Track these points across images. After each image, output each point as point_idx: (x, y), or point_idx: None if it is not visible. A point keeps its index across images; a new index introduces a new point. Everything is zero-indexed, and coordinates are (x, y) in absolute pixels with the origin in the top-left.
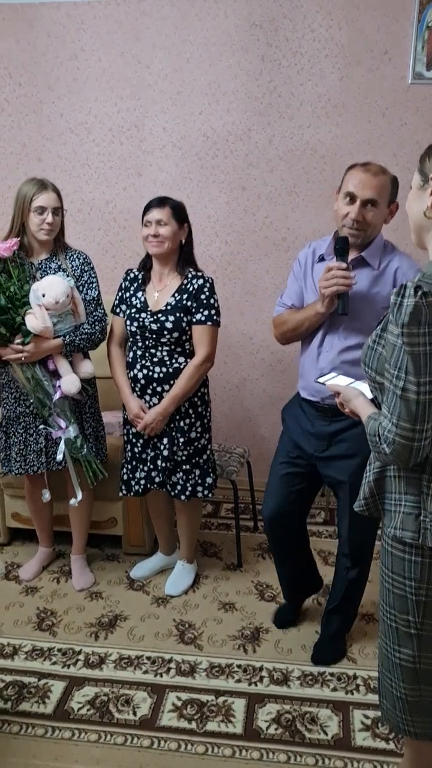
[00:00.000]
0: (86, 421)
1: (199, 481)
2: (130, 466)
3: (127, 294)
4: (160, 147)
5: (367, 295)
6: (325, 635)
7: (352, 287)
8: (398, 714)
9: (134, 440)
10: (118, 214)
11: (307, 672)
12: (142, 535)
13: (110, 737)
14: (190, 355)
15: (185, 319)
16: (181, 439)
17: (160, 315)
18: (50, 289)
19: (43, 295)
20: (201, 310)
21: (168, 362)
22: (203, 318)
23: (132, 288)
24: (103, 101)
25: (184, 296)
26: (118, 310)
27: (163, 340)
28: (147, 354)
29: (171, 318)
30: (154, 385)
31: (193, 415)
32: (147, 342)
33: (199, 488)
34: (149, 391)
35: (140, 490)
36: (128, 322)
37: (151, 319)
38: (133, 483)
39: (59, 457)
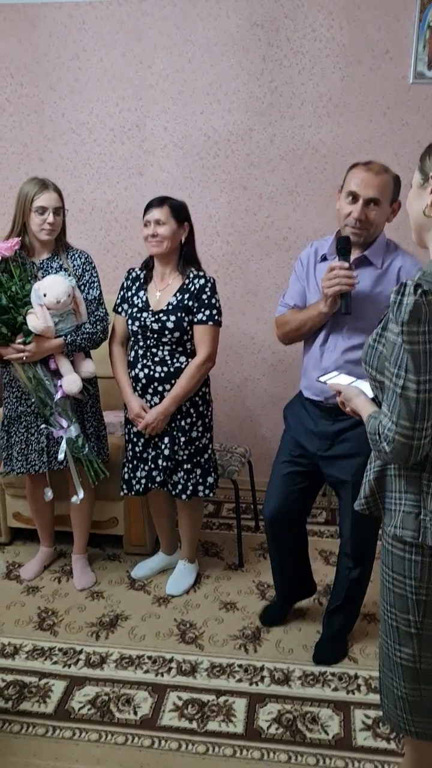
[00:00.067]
0: (88, 420)
1: (201, 480)
2: (131, 465)
3: (129, 293)
4: (161, 147)
5: (371, 295)
6: (327, 635)
7: (354, 286)
8: (399, 713)
9: (135, 439)
10: (120, 214)
11: (308, 672)
12: (143, 535)
13: (111, 737)
14: (192, 355)
15: (186, 318)
16: (182, 439)
17: (161, 315)
18: (51, 288)
19: (45, 295)
20: (202, 309)
21: (169, 362)
22: (205, 318)
23: (134, 287)
24: (104, 101)
25: (186, 296)
26: (119, 310)
27: (164, 339)
28: (148, 353)
29: (172, 318)
30: (156, 384)
31: (194, 415)
32: (148, 341)
33: (201, 488)
34: (150, 391)
35: (141, 489)
36: (130, 322)
37: (153, 319)
38: (133, 482)
39: (60, 456)
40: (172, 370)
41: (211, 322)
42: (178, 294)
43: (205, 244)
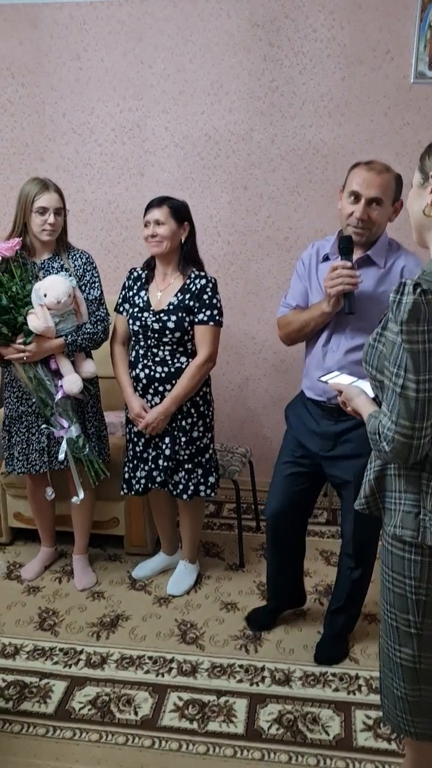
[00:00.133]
0: (89, 420)
1: (202, 480)
2: (131, 465)
3: (130, 293)
4: (162, 147)
5: (374, 295)
6: (328, 635)
7: (358, 286)
8: (399, 714)
9: (136, 439)
10: (121, 214)
11: (309, 672)
12: (144, 535)
13: (111, 737)
14: (192, 355)
15: (187, 319)
16: (183, 439)
17: (162, 314)
18: (52, 288)
19: (45, 295)
20: (203, 310)
21: (170, 362)
22: (205, 318)
23: (135, 287)
24: (105, 101)
25: (187, 296)
26: (121, 309)
27: (165, 339)
28: (149, 354)
29: (173, 318)
30: (156, 384)
31: (195, 415)
32: (149, 341)
33: (202, 487)
34: (151, 391)
35: (140, 489)
36: (131, 321)
37: (154, 319)
38: (133, 482)
39: (61, 456)
40: (172, 370)
41: (212, 323)
42: (179, 294)
43: (206, 244)
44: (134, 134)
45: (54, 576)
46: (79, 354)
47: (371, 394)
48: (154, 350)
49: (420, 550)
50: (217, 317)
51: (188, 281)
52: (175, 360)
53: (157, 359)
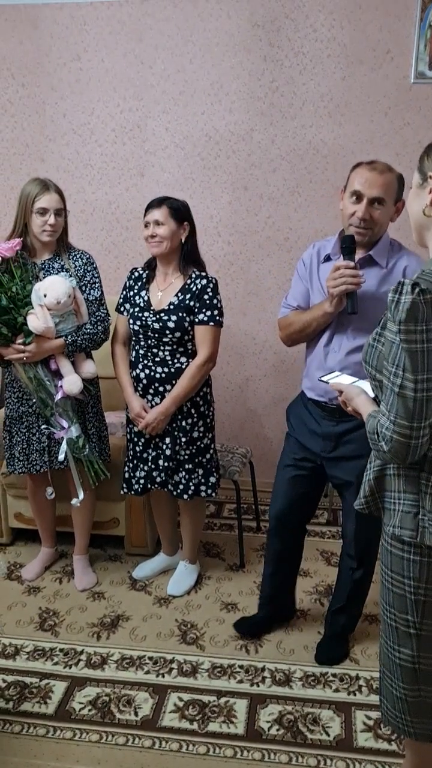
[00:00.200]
0: (89, 421)
1: (203, 480)
2: (131, 465)
3: (131, 293)
4: (162, 147)
5: (376, 295)
6: (329, 635)
7: (361, 286)
8: (398, 714)
9: (136, 439)
10: (121, 215)
11: (309, 673)
12: (144, 535)
13: (111, 737)
14: (193, 356)
15: (188, 319)
16: (183, 439)
17: (162, 314)
18: (52, 289)
19: (45, 295)
20: (204, 310)
21: (170, 362)
22: (206, 318)
23: (136, 287)
24: (105, 102)
25: (187, 296)
26: (122, 309)
27: (165, 339)
28: (149, 354)
29: (173, 318)
30: (156, 385)
31: (195, 415)
32: (149, 341)
33: (203, 487)
34: (151, 391)
35: (139, 489)
36: (131, 321)
37: (154, 319)
38: (133, 481)
39: (61, 457)
40: (172, 370)
41: (212, 323)
42: (179, 294)
43: (206, 245)
44: (134, 135)
45: (54, 576)
46: (79, 354)
47: (372, 394)
48: (154, 350)
49: (419, 550)
50: (218, 317)
51: (189, 281)
52: (175, 360)
53: (157, 359)
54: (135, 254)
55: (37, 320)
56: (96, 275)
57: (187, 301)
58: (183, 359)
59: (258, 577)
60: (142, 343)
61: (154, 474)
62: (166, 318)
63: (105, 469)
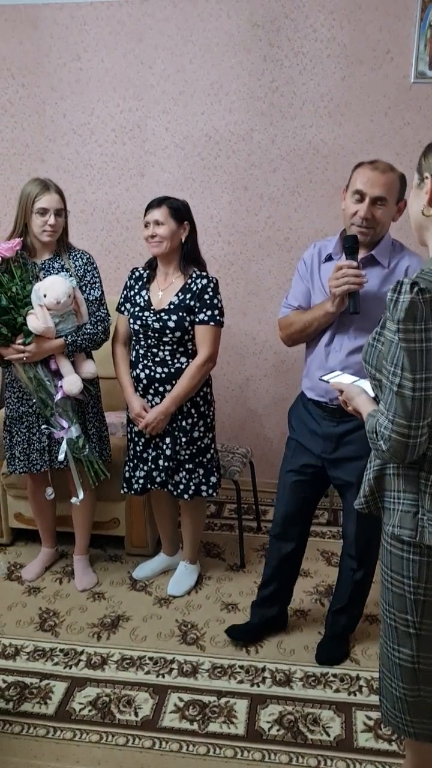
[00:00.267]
0: (89, 421)
1: (203, 480)
2: (131, 464)
3: (132, 292)
4: (162, 147)
5: (378, 295)
6: (329, 635)
7: (363, 286)
8: (398, 714)
9: (136, 439)
10: (121, 215)
11: (310, 673)
12: (144, 536)
13: (112, 738)
14: (193, 356)
15: (188, 318)
16: (184, 439)
17: (162, 314)
18: (51, 289)
19: (45, 296)
20: (204, 310)
21: (170, 362)
22: (206, 318)
23: (136, 286)
24: (105, 102)
25: (188, 296)
26: (122, 309)
27: (165, 339)
28: (149, 354)
29: (174, 317)
30: (156, 385)
31: (195, 415)
32: (149, 341)
33: (203, 487)
34: (151, 391)
35: (139, 489)
36: (131, 321)
37: (154, 318)
38: (133, 481)
39: (61, 456)
40: (172, 370)
41: (212, 323)
42: (180, 294)
43: (206, 245)
44: (134, 135)
45: (54, 577)
46: (79, 354)
47: (372, 394)
48: (154, 350)
49: (418, 549)
50: (218, 317)
51: (189, 281)
52: (175, 360)
53: (157, 359)
54: (135, 254)
55: (36, 320)
56: (96, 275)
57: (188, 301)
58: (183, 359)
59: (258, 577)
60: (143, 343)
61: (154, 474)
62: (166, 318)
63: (105, 469)
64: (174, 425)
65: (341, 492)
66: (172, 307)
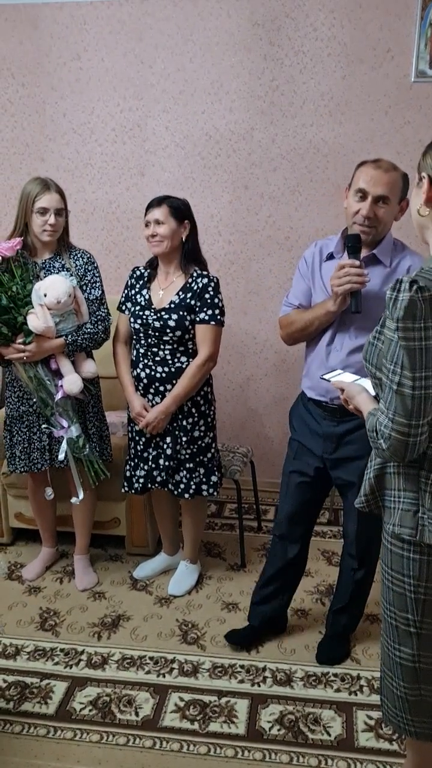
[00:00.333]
0: (89, 420)
1: (204, 479)
2: (132, 464)
3: (133, 291)
4: (162, 147)
5: (379, 294)
6: (330, 635)
7: (365, 285)
8: (399, 713)
9: (137, 438)
10: (122, 214)
11: (311, 672)
12: (145, 535)
13: (112, 738)
14: (193, 355)
15: (189, 317)
16: (184, 438)
17: (163, 313)
18: (52, 288)
19: (45, 295)
20: (205, 309)
21: (170, 362)
22: (207, 317)
23: (137, 285)
24: (105, 101)
25: (188, 295)
26: (123, 308)
27: (165, 338)
28: (149, 353)
29: (174, 316)
30: (157, 384)
31: (196, 414)
32: (150, 340)
33: (204, 486)
34: (152, 391)
35: (139, 488)
36: (132, 320)
37: (155, 317)
38: (133, 480)
39: (61, 456)
40: (173, 370)
41: (213, 322)
42: (180, 293)
43: (206, 244)
44: (135, 134)
45: (55, 576)
46: (79, 354)
47: (373, 393)
48: (155, 349)
49: (419, 548)
50: (219, 317)
51: (190, 280)
52: (176, 360)
53: (158, 359)
54: (135, 254)
55: (37, 320)
56: (96, 274)
57: (188, 300)
58: (183, 359)
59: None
60: (143, 342)
61: (155, 473)
62: (166, 316)
63: (105, 469)
64: (175, 424)
65: (342, 492)
66: (172, 306)
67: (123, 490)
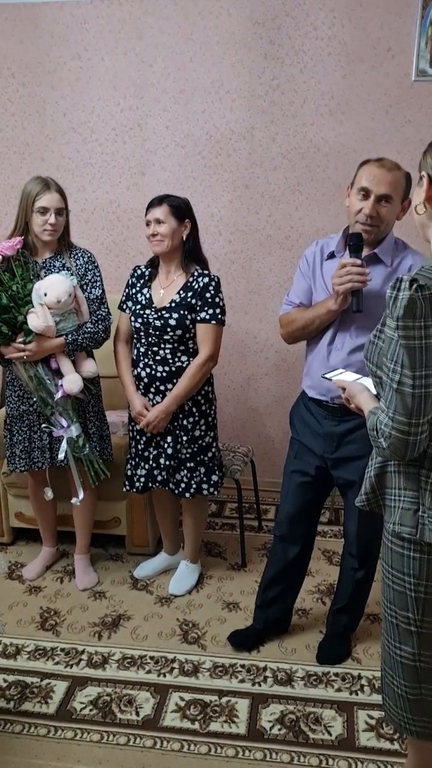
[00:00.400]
0: (90, 420)
1: (204, 479)
2: (133, 463)
3: (134, 290)
4: (163, 146)
5: (380, 293)
6: (330, 635)
7: (367, 284)
8: (400, 712)
9: (138, 437)
10: (122, 214)
11: (311, 672)
12: (145, 535)
13: (113, 737)
14: (194, 354)
15: (189, 316)
16: (185, 438)
17: (164, 312)
18: (52, 288)
19: (45, 294)
20: (205, 308)
21: (171, 361)
22: (207, 316)
23: (138, 284)
24: (106, 100)
25: (189, 294)
26: (124, 307)
27: (166, 337)
28: (149, 352)
29: (175, 315)
30: (158, 383)
31: (196, 414)
32: (150, 339)
33: (204, 485)
34: (153, 390)
35: (140, 487)
36: (133, 319)
37: (155, 316)
38: (135, 479)
39: (61, 456)
40: (173, 369)
41: (214, 321)
42: (181, 291)
43: (207, 243)
44: (135, 133)
45: (55, 576)
46: (80, 353)
47: (374, 392)
48: (155, 348)
49: (419, 547)
50: (220, 316)
51: (191, 279)
52: (176, 359)
53: (158, 358)
54: (136, 253)
55: (37, 319)
56: (97, 274)
57: (189, 299)
58: (184, 358)
59: (259, 576)
60: (143, 341)
61: (156, 472)
62: (167, 315)
63: (105, 469)
64: (175, 424)
65: (343, 491)
66: (173, 305)
67: (124, 489)
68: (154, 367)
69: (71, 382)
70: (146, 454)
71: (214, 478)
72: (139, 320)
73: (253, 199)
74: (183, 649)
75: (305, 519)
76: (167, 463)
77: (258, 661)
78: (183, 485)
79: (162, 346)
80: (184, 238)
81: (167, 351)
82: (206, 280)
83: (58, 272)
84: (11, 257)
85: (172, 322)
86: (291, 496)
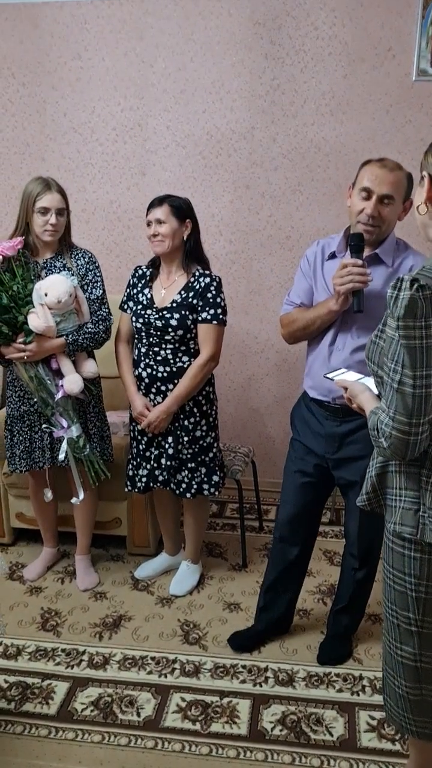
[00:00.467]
0: (90, 420)
1: (205, 479)
2: (134, 463)
3: (135, 291)
4: (163, 146)
5: (381, 293)
6: (331, 635)
7: (368, 284)
8: (401, 712)
9: (139, 437)
10: (123, 214)
11: (313, 673)
12: (146, 535)
13: (114, 738)
14: (195, 355)
15: (190, 317)
16: (186, 438)
17: (165, 312)
18: (52, 288)
19: (46, 294)
20: (207, 308)
21: (172, 361)
22: (209, 317)
23: (139, 285)
24: (106, 100)
25: (190, 294)
26: (125, 307)
27: (167, 337)
28: (151, 352)
29: (176, 315)
30: (159, 384)
31: (197, 414)
32: (151, 339)
33: (205, 486)
34: (153, 390)
35: (142, 487)
36: (134, 319)
37: (156, 316)
38: (136, 479)
39: (61, 456)
40: (174, 369)
41: (215, 321)
42: (182, 292)
43: (208, 244)
44: (135, 133)
45: (56, 576)
46: (80, 354)
47: (376, 391)
48: (156, 349)
49: (419, 547)
50: (221, 316)
51: (192, 279)
52: (177, 359)
53: (159, 358)
54: (136, 253)
55: (38, 319)
56: (98, 274)
57: (190, 299)
58: (185, 358)
59: (260, 577)
60: (145, 342)
61: (157, 473)
62: (168, 315)
63: (105, 469)
64: (176, 424)
65: (344, 491)
66: (174, 305)
67: (126, 490)
68: (155, 367)
69: (72, 383)
70: (147, 454)
71: (215, 478)
72: (141, 320)
73: (254, 199)
74: (184, 650)
75: (306, 520)
76: (168, 463)
77: (259, 661)
78: (184, 485)
79: (163, 346)
80: (185, 239)
81: (168, 351)
82: (207, 280)
83: (58, 272)
84: (12, 257)
85: (173, 322)
86: (292, 496)
